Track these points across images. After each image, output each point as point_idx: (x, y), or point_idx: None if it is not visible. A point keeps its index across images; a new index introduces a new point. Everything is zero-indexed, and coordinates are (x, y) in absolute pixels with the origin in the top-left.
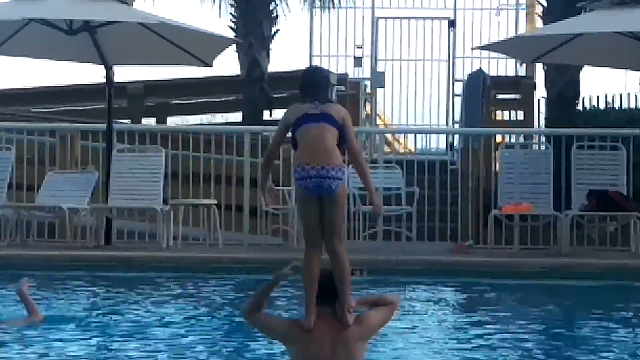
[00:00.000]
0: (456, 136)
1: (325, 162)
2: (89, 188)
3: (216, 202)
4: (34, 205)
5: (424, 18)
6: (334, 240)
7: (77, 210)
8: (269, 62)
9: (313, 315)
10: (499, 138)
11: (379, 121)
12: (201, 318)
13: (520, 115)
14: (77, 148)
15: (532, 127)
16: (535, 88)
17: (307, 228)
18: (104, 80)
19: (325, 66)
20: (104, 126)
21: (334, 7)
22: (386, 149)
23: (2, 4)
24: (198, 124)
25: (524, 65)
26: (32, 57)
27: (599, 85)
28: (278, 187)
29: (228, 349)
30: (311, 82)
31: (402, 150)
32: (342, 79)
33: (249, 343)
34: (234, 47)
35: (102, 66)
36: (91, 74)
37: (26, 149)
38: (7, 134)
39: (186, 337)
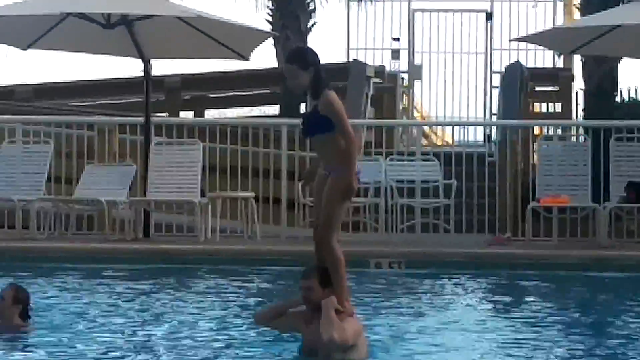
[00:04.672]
0: (494, 128)
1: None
2: (127, 181)
3: (254, 195)
4: (72, 199)
5: (461, 10)
6: None
7: (115, 203)
8: None
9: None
10: (536, 130)
11: (416, 114)
12: (238, 310)
13: (558, 107)
14: (116, 141)
15: (570, 119)
16: (573, 80)
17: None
18: (142, 74)
19: (362, 59)
20: (142, 119)
21: (371, 0)
22: (424, 141)
23: None
24: (235, 117)
25: (562, 57)
26: (70, 50)
27: (638, 76)
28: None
29: (268, 340)
30: None
31: (439, 143)
32: (380, 71)
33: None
34: (270, 40)
35: (140, 60)
36: (129, 67)
37: (65, 143)
38: (46, 128)
39: (226, 330)
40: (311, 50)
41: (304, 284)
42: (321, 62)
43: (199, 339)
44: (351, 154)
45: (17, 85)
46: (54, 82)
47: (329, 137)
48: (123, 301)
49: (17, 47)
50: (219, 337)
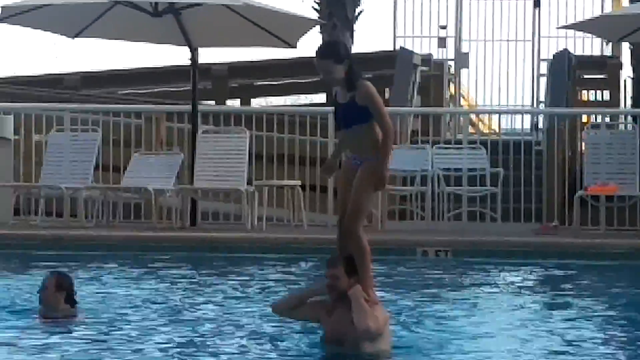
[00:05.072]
0: (541, 116)
1: None
2: (175, 169)
3: (300, 183)
4: (120, 187)
5: None
6: None
7: (162, 192)
8: (352, 43)
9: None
10: (584, 118)
11: (463, 102)
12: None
13: (606, 95)
14: (163, 129)
15: (618, 107)
16: (621, 67)
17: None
18: (189, 62)
19: (409, 47)
20: (189, 108)
21: None
22: (470, 129)
23: None
24: (282, 105)
25: (610, 44)
26: (118, 39)
27: None
28: None
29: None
30: None
31: (486, 131)
32: (426, 59)
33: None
34: (317, 28)
35: (187, 48)
36: (176, 55)
37: (112, 131)
38: (93, 116)
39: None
40: (342, 43)
41: (330, 272)
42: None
43: (241, 326)
44: (388, 144)
45: (65, 73)
46: (102, 71)
47: (366, 127)
48: (170, 289)
49: (66, 36)
50: (260, 325)
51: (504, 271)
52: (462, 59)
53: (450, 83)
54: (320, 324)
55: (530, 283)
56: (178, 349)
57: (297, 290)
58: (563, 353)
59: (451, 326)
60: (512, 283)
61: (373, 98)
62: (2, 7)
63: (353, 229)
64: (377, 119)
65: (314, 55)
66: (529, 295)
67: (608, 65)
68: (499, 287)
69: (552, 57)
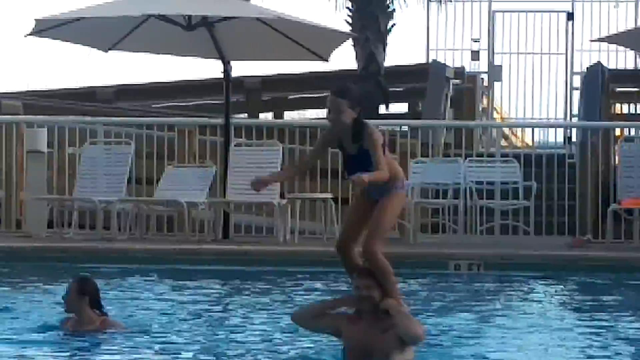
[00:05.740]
0: (574, 130)
1: None
2: (207, 182)
3: (332, 196)
4: (152, 199)
5: (542, 11)
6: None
7: (195, 204)
8: (385, 56)
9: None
10: (617, 131)
11: (495, 115)
12: None
13: None
14: (195, 142)
15: None
16: None
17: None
18: (222, 75)
19: (441, 60)
20: (221, 121)
21: (450, 1)
22: (503, 142)
23: (122, 0)
24: (314, 118)
25: None
26: (151, 52)
27: None
28: None
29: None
30: None
31: (519, 144)
32: (459, 72)
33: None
34: (350, 41)
35: (220, 61)
36: (209, 69)
37: (145, 144)
38: (127, 129)
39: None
40: (359, 91)
41: (364, 282)
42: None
43: (273, 339)
44: (381, 177)
45: (98, 86)
46: (135, 84)
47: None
48: (202, 302)
49: (99, 49)
50: (293, 338)
51: (537, 285)
52: (495, 72)
53: (483, 96)
54: (340, 336)
55: (562, 297)
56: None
57: (319, 302)
58: None
59: (478, 339)
60: (545, 296)
61: (377, 145)
62: (35, 20)
63: (374, 250)
64: (377, 166)
65: (330, 91)
66: (560, 309)
67: None
68: (530, 300)
69: (585, 70)
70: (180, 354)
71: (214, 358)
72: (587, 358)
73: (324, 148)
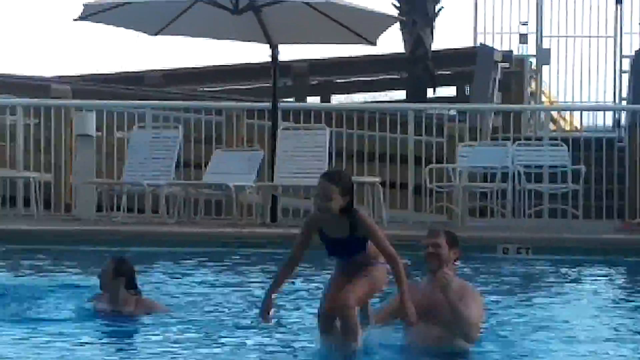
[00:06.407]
0: (623, 113)
1: None
2: (255, 166)
3: (380, 180)
4: (201, 183)
5: None
6: None
7: (243, 188)
8: (432, 39)
9: None
10: None
11: (544, 98)
12: None
13: None
14: (243, 126)
15: None
16: None
17: None
18: (269, 59)
19: (489, 43)
20: (269, 105)
21: None
22: (552, 126)
23: None
24: (362, 102)
25: None
26: (199, 36)
27: None
28: (441, 165)
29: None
30: None
31: (568, 128)
32: (507, 56)
33: None
34: (397, 25)
35: (268, 45)
36: (256, 53)
37: (194, 128)
38: (175, 113)
39: None
40: (351, 178)
41: (432, 240)
42: None
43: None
44: (401, 271)
45: (146, 71)
46: (183, 68)
47: (364, 252)
48: (251, 286)
49: (146, 33)
50: None
51: (584, 269)
52: (543, 56)
53: (531, 80)
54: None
55: (611, 281)
56: (258, 346)
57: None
58: None
59: (530, 323)
60: (594, 281)
61: (375, 230)
62: (83, 5)
63: (352, 306)
64: (382, 251)
65: (321, 175)
66: (610, 293)
67: None
68: (580, 284)
69: (634, 54)
70: (224, 338)
71: (259, 345)
72: (634, 344)
73: (310, 237)
